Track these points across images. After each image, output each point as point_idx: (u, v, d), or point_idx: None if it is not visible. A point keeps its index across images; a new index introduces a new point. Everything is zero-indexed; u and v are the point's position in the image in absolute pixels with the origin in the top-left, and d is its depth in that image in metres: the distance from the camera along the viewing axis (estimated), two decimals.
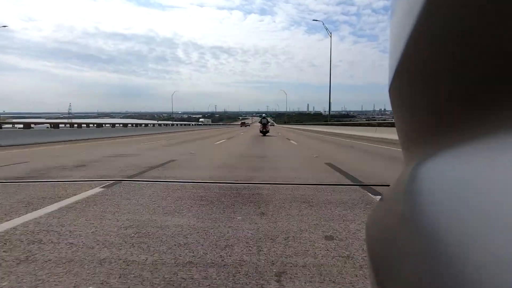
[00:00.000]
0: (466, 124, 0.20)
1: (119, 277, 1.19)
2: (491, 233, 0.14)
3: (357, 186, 2.93)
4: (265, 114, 23.78)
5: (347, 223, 1.85)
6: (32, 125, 12.84)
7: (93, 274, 1.21)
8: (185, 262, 1.33)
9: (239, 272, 1.24)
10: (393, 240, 0.23)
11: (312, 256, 1.40)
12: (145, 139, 13.37)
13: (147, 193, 2.63)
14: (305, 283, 1.16)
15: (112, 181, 3.14)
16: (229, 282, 1.16)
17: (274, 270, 1.26)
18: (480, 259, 0.13)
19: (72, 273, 1.22)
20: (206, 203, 2.30)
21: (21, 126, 12.07)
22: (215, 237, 1.63)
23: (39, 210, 2.11)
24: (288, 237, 1.63)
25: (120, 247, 1.48)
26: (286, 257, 1.39)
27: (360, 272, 1.24)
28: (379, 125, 15.78)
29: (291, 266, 1.30)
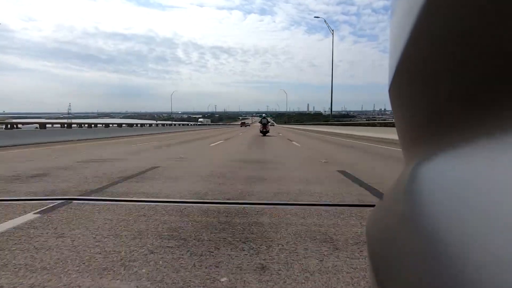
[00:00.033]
0: (466, 124, 0.20)
1: None
2: (491, 233, 0.14)
3: None
4: (265, 114, 23.82)
5: None
6: (20, 125, 12.26)
7: None
8: None
9: None
10: (393, 240, 0.23)
11: None
12: (138, 140, 12.68)
13: (97, 223, 1.88)
14: None
15: (60, 201, 2.41)
16: None
17: None
18: (480, 259, 0.13)
19: None
20: (176, 244, 1.55)
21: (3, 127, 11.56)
22: None
23: None
24: None
25: None
26: None
27: None
28: (381, 125, 15.79)
29: None
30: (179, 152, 6.84)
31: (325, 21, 26.32)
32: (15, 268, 1.29)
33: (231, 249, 1.51)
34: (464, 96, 0.20)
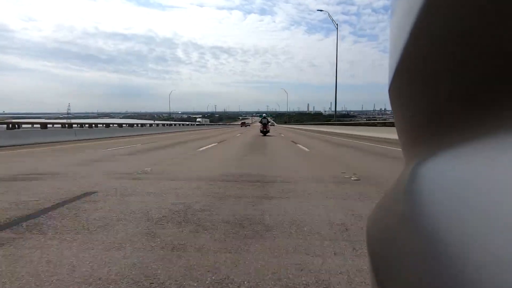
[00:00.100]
0: (466, 124, 0.20)
1: None
2: (491, 233, 0.14)
3: None
4: (265, 114, 23.81)
5: None
6: None
7: None
8: None
9: None
10: (393, 240, 0.23)
11: None
12: (121, 142, 11.43)
13: None
14: None
15: None
16: None
17: None
18: (480, 259, 0.13)
19: None
20: None
21: None
22: None
23: None
24: None
25: None
26: None
27: None
28: (382, 125, 15.77)
29: None
30: (151, 161, 5.35)
31: (329, 14, 26.08)
32: None
33: None
34: (464, 96, 0.20)
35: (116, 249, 1.64)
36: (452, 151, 0.21)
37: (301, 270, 1.40)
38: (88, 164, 5.14)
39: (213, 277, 1.32)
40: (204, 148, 8.49)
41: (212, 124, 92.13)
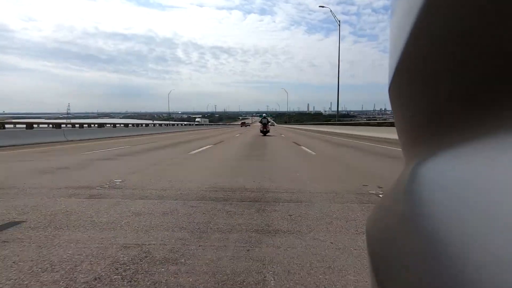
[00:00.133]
0: (466, 124, 0.20)
1: None
2: (491, 233, 0.14)
3: None
4: (265, 114, 23.78)
5: None
6: None
7: None
8: None
9: None
10: (393, 240, 0.23)
11: None
12: (111, 143, 10.50)
13: None
14: None
15: None
16: None
17: None
18: (480, 259, 0.13)
19: None
20: None
21: None
22: None
23: None
24: None
25: None
26: None
27: None
28: (380, 124, 15.77)
29: None
30: (128, 169, 4.38)
31: (331, 11, 25.87)
32: None
33: None
34: (464, 96, 0.20)
35: None
36: (452, 151, 0.21)
37: None
38: (47, 173, 4.11)
39: None
40: (196, 151, 7.42)
41: (211, 124, 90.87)
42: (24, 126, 11.61)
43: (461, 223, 0.16)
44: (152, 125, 28.12)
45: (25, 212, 2.32)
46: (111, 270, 1.40)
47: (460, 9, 0.18)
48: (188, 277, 1.35)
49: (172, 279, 1.33)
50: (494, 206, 0.14)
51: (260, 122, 19.79)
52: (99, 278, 1.33)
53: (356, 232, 1.92)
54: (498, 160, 0.16)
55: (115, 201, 2.65)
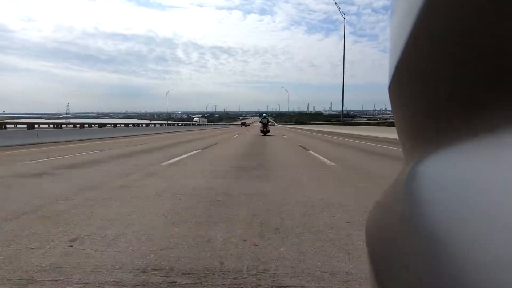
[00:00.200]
0: (466, 124, 0.20)
1: None
2: (491, 233, 0.14)
3: None
4: (265, 114, 23.70)
5: None
6: None
7: None
8: None
9: None
10: (392, 240, 0.23)
11: None
12: (86, 145, 9.38)
13: None
14: None
15: None
16: None
17: None
18: (480, 259, 0.13)
19: None
20: None
21: None
22: None
23: None
24: None
25: None
26: None
27: None
28: (381, 124, 15.75)
29: None
30: (52, 195, 2.87)
31: (335, 3, 25.41)
32: None
33: None
34: (464, 96, 0.20)
35: None
36: (451, 150, 0.21)
37: None
38: None
39: None
40: (175, 159, 5.66)
41: (211, 124, 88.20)
42: None
43: (460, 222, 0.16)
44: (149, 125, 27.07)
45: None
46: None
47: (460, 9, 0.18)
48: None
49: None
50: (494, 205, 0.14)
51: (260, 122, 19.78)
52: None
53: None
54: (498, 159, 0.16)
55: None
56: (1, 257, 1.53)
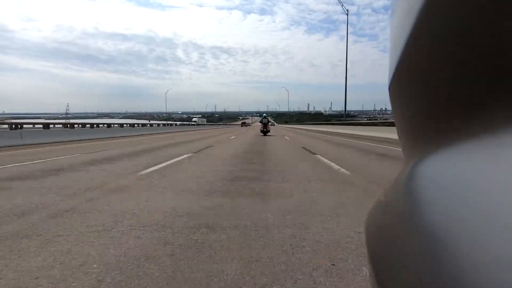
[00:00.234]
0: (466, 124, 0.20)
1: None
2: (491, 233, 0.14)
3: None
4: (266, 114, 23.67)
5: None
6: None
7: None
8: None
9: None
10: (392, 240, 0.23)
11: None
12: (69, 148, 8.54)
13: None
14: None
15: None
16: None
17: None
18: (480, 259, 0.13)
19: None
20: None
21: None
22: None
23: None
24: None
25: None
26: None
27: None
28: (383, 124, 15.71)
29: None
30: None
31: (339, 0, 25.28)
32: None
33: None
34: (464, 96, 0.20)
35: None
36: (451, 150, 0.21)
37: None
38: None
39: None
40: (160, 166, 4.70)
41: (210, 124, 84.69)
42: None
43: (460, 222, 0.16)
44: (146, 125, 26.11)
45: None
46: None
47: (460, 8, 0.18)
48: None
49: None
50: (494, 205, 0.14)
51: (261, 122, 19.79)
52: None
53: None
54: (497, 159, 0.16)
55: None
56: None
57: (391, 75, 0.32)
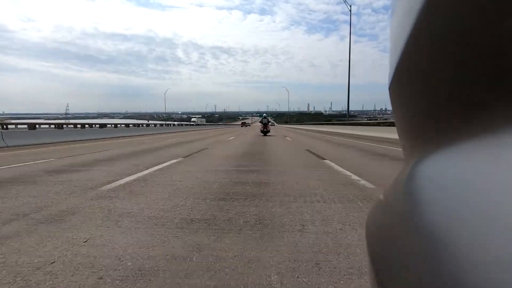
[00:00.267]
0: (466, 124, 0.20)
1: None
2: (491, 233, 0.14)
3: None
4: (266, 114, 23.63)
5: None
6: None
7: None
8: None
9: None
10: (393, 240, 0.23)
11: None
12: (51, 151, 7.71)
13: None
14: None
15: None
16: None
17: None
18: (480, 259, 0.13)
19: None
20: None
21: None
22: None
23: None
24: None
25: None
26: None
27: None
28: (385, 124, 15.67)
29: None
30: None
31: None
32: None
33: None
34: (464, 95, 0.20)
35: None
36: (451, 150, 0.21)
37: None
38: None
39: None
40: (132, 177, 3.76)
41: (210, 124, 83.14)
42: None
43: (460, 222, 0.16)
44: (143, 125, 25.06)
45: None
46: None
47: (460, 8, 0.18)
48: None
49: None
50: (494, 205, 0.14)
51: (261, 122, 19.80)
52: None
53: None
54: (497, 159, 0.16)
55: None
56: None
57: (391, 75, 0.32)
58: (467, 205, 0.16)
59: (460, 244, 0.15)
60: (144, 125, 26.41)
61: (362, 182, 3.43)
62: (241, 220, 2.09)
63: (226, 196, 2.82)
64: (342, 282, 1.25)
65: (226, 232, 1.86)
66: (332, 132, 23.41)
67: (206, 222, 2.05)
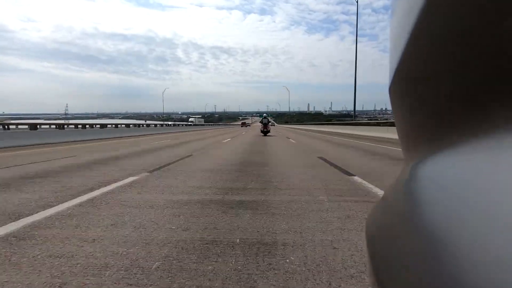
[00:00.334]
0: (466, 124, 0.20)
1: None
2: (491, 233, 0.14)
3: None
4: (266, 114, 23.53)
5: None
6: None
7: None
8: None
9: None
10: (393, 240, 0.23)
11: None
12: (32, 153, 6.68)
13: None
14: None
15: None
16: None
17: None
18: (480, 259, 0.13)
19: None
20: None
21: None
22: None
23: None
24: None
25: None
26: None
27: None
28: (386, 124, 15.65)
29: None
30: None
31: None
32: None
33: None
34: (464, 96, 0.20)
35: None
36: (452, 150, 0.21)
37: None
38: None
39: None
40: (76, 201, 2.43)
41: (209, 124, 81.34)
42: None
43: (460, 222, 0.16)
44: (141, 125, 23.92)
45: None
46: None
47: (460, 8, 0.18)
48: None
49: None
50: (494, 206, 0.14)
51: (261, 122, 19.78)
52: None
53: None
54: (498, 159, 0.16)
55: None
56: None
57: (392, 76, 0.32)
58: (467, 205, 0.16)
59: (460, 244, 0.15)
60: (141, 125, 25.16)
61: None
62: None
63: (210, 242, 1.61)
64: None
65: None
66: (332, 132, 23.33)
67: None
